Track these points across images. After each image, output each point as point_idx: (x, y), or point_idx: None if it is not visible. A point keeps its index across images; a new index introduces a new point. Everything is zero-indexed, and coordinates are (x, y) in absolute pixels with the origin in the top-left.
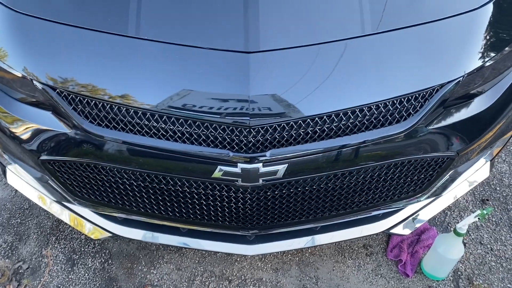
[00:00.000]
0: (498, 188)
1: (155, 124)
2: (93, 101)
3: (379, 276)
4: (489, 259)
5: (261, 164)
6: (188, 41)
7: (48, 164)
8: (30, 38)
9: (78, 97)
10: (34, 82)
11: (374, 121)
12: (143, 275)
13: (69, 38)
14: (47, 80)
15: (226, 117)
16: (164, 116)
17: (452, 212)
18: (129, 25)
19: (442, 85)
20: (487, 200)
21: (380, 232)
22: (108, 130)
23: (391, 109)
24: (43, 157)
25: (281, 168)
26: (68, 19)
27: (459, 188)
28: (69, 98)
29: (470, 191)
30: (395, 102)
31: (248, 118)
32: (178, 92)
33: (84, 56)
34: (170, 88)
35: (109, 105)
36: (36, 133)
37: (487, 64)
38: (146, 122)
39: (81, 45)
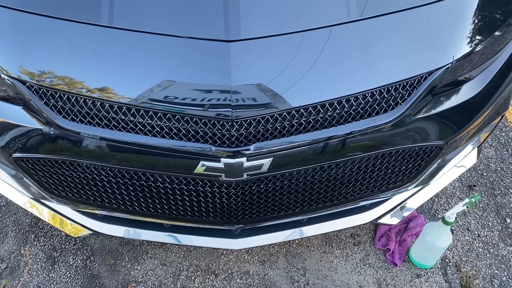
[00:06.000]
0: (485, 174)
1: (132, 118)
2: (66, 95)
3: (367, 265)
4: (477, 245)
5: (245, 158)
6: (164, 30)
7: (21, 161)
8: None
9: (50, 91)
10: (2, 75)
11: (361, 112)
12: (126, 272)
13: (38, 28)
14: (16, 74)
15: (208, 110)
16: (141, 110)
17: (440, 199)
18: (102, 14)
19: (430, 73)
20: (474, 186)
21: (367, 223)
22: (82, 126)
23: (379, 98)
24: (16, 155)
25: (266, 162)
26: (38, 8)
27: (447, 175)
28: (40, 92)
29: (457, 177)
30: (383, 91)
31: (230, 110)
32: (155, 84)
33: (54, 48)
34: (146, 81)
35: (83, 99)
36: (6, 129)
37: (477, 49)
38: (123, 117)
39: (52, 36)
